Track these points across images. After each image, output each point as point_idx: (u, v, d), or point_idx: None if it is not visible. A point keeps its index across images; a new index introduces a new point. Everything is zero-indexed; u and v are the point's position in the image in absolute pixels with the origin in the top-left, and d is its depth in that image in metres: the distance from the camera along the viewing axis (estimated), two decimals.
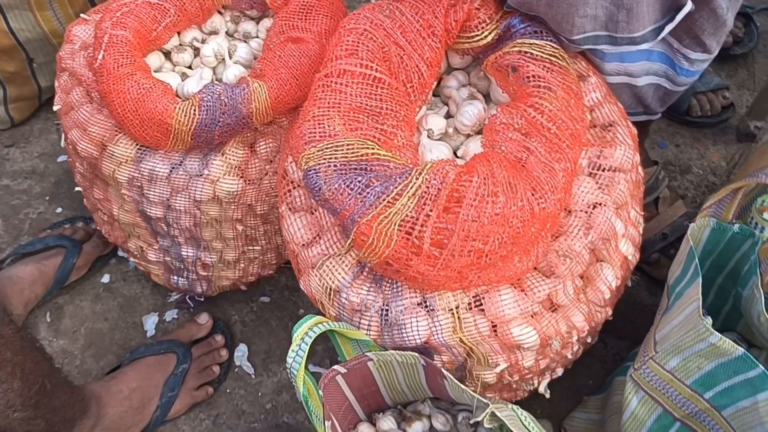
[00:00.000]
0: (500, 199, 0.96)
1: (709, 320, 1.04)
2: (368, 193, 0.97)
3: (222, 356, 1.51)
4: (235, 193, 1.26)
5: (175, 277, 1.49)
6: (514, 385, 1.25)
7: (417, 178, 0.97)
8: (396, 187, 0.97)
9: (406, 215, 0.96)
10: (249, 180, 1.27)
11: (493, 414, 1.00)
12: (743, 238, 1.16)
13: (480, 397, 1.02)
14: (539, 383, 1.28)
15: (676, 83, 1.29)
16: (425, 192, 0.96)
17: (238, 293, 1.61)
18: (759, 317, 1.12)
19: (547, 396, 1.31)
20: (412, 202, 0.96)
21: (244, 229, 1.35)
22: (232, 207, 1.29)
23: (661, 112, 1.40)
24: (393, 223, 0.96)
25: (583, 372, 1.50)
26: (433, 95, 1.25)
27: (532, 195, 0.99)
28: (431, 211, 0.95)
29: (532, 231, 1.01)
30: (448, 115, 1.21)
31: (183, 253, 1.39)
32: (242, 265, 1.45)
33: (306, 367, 1.03)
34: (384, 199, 0.96)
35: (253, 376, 1.53)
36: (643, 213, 1.25)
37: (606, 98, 1.19)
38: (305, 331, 0.97)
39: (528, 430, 1.04)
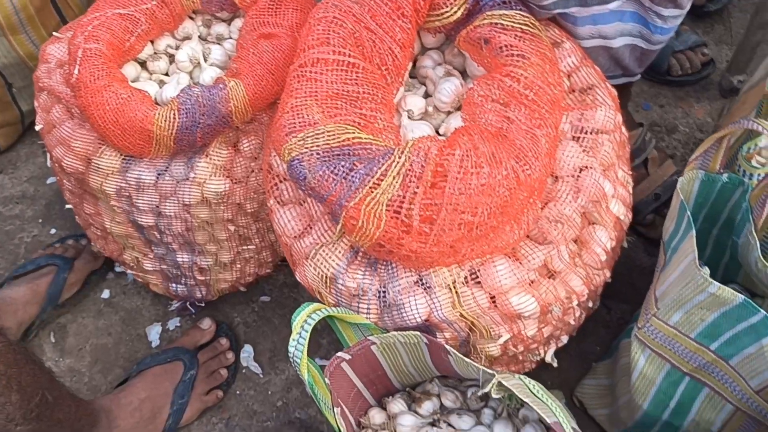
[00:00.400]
0: (485, 170, 0.96)
1: (706, 270, 1.04)
2: (353, 176, 0.97)
3: (228, 359, 1.52)
4: (223, 193, 1.26)
5: (174, 285, 1.49)
6: (521, 357, 1.25)
7: (400, 157, 0.97)
8: (380, 168, 0.97)
9: (393, 195, 0.96)
10: (236, 179, 1.27)
11: (500, 384, 1.00)
12: (733, 187, 1.17)
13: (486, 369, 1.02)
14: (545, 353, 1.28)
15: (651, 42, 1.29)
16: (409, 170, 0.96)
17: (238, 295, 1.61)
18: (756, 263, 1.12)
19: (555, 365, 1.31)
20: (397, 181, 0.96)
21: (236, 229, 1.35)
22: (222, 207, 1.29)
23: (639, 73, 1.40)
24: (380, 204, 0.96)
25: (589, 339, 1.51)
26: (411, 77, 1.25)
27: (517, 163, 0.99)
28: (417, 188, 0.96)
29: (520, 199, 1.01)
30: (427, 95, 1.21)
31: (178, 259, 1.39)
32: (238, 265, 1.45)
33: (310, 357, 1.03)
34: (369, 181, 0.97)
35: (261, 376, 1.53)
36: (631, 172, 1.25)
37: (582, 62, 1.19)
38: (304, 318, 0.98)
39: (536, 396, 1.04)
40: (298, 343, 0.97)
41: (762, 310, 1.03)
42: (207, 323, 1.55)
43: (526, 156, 1.00)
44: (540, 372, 1.46)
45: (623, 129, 1.22)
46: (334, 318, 1.07)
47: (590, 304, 1.26)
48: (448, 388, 1.21)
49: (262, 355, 1.55)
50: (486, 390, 1.00)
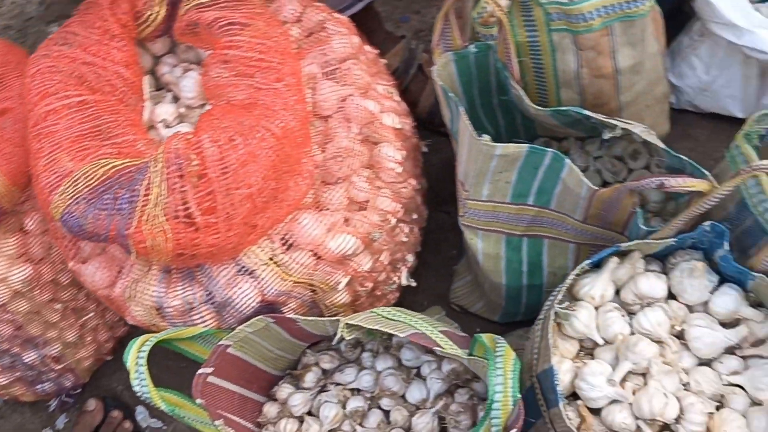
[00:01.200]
0: (237, 140, 0.97)
1: (486, 137, 1.08)
2: (120, 204, 0.96)
3: (127, 429, 1.49)
4: (29, 278, 1.22)
5: (39, 386, 1.45)
6: (379, 292, 1.27)
7: (156, 166, 0.97)
8: (141, 185, 0.96)
9: (166, 202, 0.96)
10: (36, 259, 1.23)
11: (347, 325, 1.02)
12: (485, 53, 1.21)
13: (330, 319, 1.04)
14: (399, 278, 1.31)
15: None
16: (169, 173, 0.96)
17: (109, 363, 1.57)
18: (530, 110, 1.17)
19: (413, 284, 1.35)
20: (163, 189, 0.96)
21: (64, 305, 1.32)
22: (37, 292, 1.25)
23: None
24: (158, 217, 0.96)
25: (443, 247, 1.54)
26: (159, 88, 1.24)
27: (267, 120, 1.00)
28: (184, 186, 0.95)
29: (288, 152, 1.02)
30: (177, 99, 1.21)
31: (26, 360, 1.35)
32: (89, 338, 1.42)
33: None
34: (137, 201, 0.96)
35: (164, 427, 1.51)
36: (392, 83, 1.28)
37: (304, 3, 1.21)
38: (135, 354, 0.97)
39: (387, 318, 1.07)
40: (140, 380, 0.96)
41: (548, 150, 1.08)
42: (92, 404, 1.50)
43: (274, 110, 1.01)
44: (414, 297, 1.49)
45: (366, 47, 1.25)
46: (173, 342, 1.06)
47: (415, 216, 1.29)
48: (322, 352, 1.22)
49: (156, 409, 1.52)
50: (338, 336, 1.02)
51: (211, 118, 0.99)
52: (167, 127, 1.16)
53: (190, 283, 1.07)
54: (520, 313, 1.38)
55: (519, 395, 0.88)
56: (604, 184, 1.32)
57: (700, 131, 1.57)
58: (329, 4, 1.28)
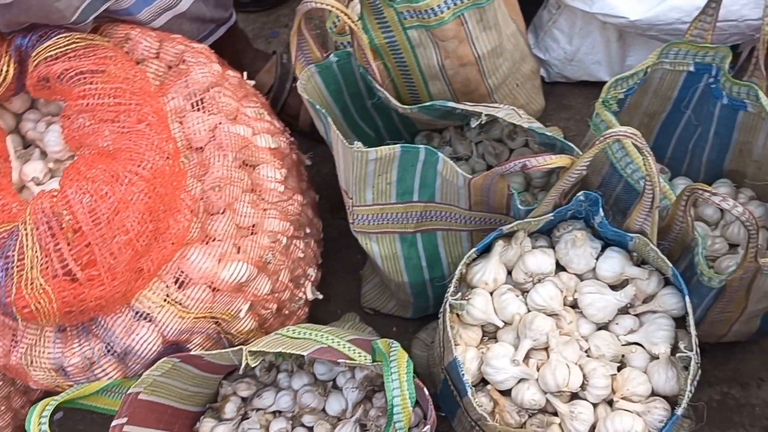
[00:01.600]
0: (104, 189, 0.95)
1: (358, 144, 1.09)
2: None
3: None
4: None
5: None
6: (286, 311, 1.27)
7: (25, 228, 0.95)
8: (14, 249, 0.94)
9: (42, 263, 0.94)
10: None
11: (251, 352, 1.02)
12: (347, 60, 1.22)
13: (232, 349, 1.04)
14: (304, 293, 1.31)
15: None
16: (40, 234, 0.94)
17: None
18: (398, 109, 1.19)
19: (320, 297, 1.35)
20: (37, 250, 0.94)
21: None
22: None
23: (229, 16, 1.43)
24: (36, 279, 0.94)
25: (347, 253, 1.55)
26: (26, 146, 1.21)
27: (134, 164, 0.99)
28: (58, 244, 0.94)
29: (162, 191, 1.01)
30: (46, 155, 1.19)
31: None
32: (3, 407, 1.37)
33: None
34: (12, 266, 0.94)
35: None
36: (262, 103, 1.28)
37: (160, 38, 1.20)
38: (36, 422, 0.95)
39: (291, 338, 1.07)
40: None
41: (420, 146, 1.10)
42: None
43: (140, 153, 1.00)
44: (327, 307, 1.50)
45: (229, 72, 1.24)
46: (78, 401, 1.05)
47: (308, 230, 1.30)
48: (238, 381, 1.22)
49: None
50: (243, 365, 1.02)
51: (75, 170, 0.97)
52: (38, 184, 1.13)
53: (86, 338, 1.05)
54: (429, 306, 1.40)
55: (415, 395, 0.90)
56: (489, 167, 1.35)
57: (575, 100, 1.61)
58: (188, 35, 1.27)
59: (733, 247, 1.25)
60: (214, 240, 1.10)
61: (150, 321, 1.06)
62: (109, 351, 1.06)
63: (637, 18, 1.35)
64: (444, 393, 1.15)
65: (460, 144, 1.37)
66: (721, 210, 1.26)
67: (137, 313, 1.06)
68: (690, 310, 1.00)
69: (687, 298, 1.00)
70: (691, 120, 1.26)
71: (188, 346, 1.12)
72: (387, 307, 1.46)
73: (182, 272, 1.07)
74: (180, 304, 1.07)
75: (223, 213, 1.11)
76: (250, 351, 1.02)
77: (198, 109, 1.14)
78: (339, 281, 1.54)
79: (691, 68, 1.18)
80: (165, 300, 1.07)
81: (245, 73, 1.31)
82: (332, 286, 1.52)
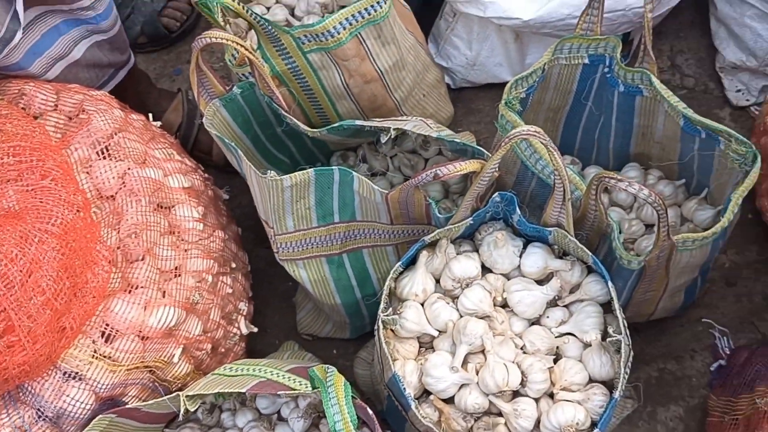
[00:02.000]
0: (14, 252, 0.92)
1: (271, 173, 1.09)
2: None
3: None
4: None
5: None
6: (222, 349, 1.26)
7: None
8: None
9: None
10: None
11: (188, 396, 1.01)
12: (250, 90, 1.22)
13: (169, 397, 1.02)
14: (239, 328, 1.29)
15: (104, 30, 1.30)
16: None
17: None
18: (306, 133, 1.19)
19: (255, 330, 1.34)
20: None
21: None
22: None
23: (128, 59, 1.41)
24: None
25: (277, 282, 1.54)
26: None
27: (42, 222, 0.96)
28: None
29: (73, 246, 0.99)
30: None
31: None
32: None
33: None
34: None
35: None
36: (174, 140, 1.27)
37: (57, 89, 1.17)
38: None
39: (228, 376, 1.06)
40: None
41: (333, 168, 1.10)
42: None
43: (48, 210, 0.97)
44: (264, 339, 1.48)
45: (133, 116, 1.23)
46: None
47: (234, 265, 1.29)
48: (181, 427, 1.20)
49: None
50: (182, 411, 1.01)
51: None
52: None
53: (14, 407, 1.02)
54: (366, 324, 1.41)
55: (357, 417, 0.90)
56: (406, 179, 1.36)
57: (482, 103, 1.64)
58: (86, 83, 1.25)
59: (649, 227, 1.29)
60: (137, 288, 1.08)
61: (80, 380, 1.03)
62: (40, 417, 1.02)
63: (530, 17, 1.38)
64: (390, 409, 1.15)
65: (375, 160, 1.37)
66: None
67: (65, 373, 1.03)
68: (614, 295, 1.02)
69: (610, 283, 1.02)
70: (592, 111, 1.30)
71: (124, 399, 1.10)
72: (324, 331, 1.46)
73: (108, 325, 1.04)
74: (109, 358, 1.04)
75: (143, 259, 1.09)
76: (187, 396, 1.00)
77: (104, 157, 1.12)
78: (273, 311, 1.53)
79: (586, 60, 1.22)
80: (93, 356, 1.04)
81: (150, 115, 1.29)
82: (267, 316, 1.51)
